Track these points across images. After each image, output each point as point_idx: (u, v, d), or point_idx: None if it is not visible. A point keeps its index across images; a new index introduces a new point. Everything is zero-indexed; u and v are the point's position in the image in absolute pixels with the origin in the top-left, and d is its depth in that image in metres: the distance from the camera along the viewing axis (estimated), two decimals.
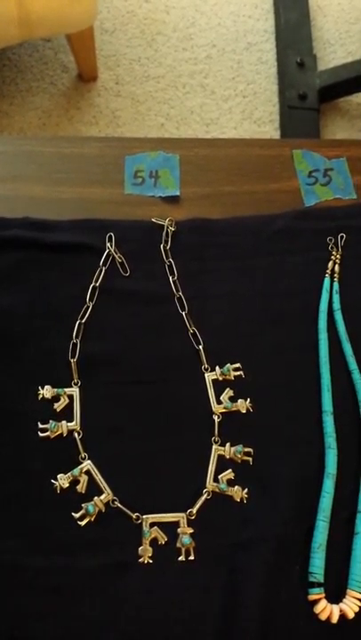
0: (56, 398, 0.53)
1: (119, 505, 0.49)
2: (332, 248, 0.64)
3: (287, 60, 1.61)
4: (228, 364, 0.56)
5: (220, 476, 0.51)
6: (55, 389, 0.54)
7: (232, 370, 0.56)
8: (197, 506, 0.50)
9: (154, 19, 1.68)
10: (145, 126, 1.51)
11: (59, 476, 0.50)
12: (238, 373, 0.56)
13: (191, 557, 0.47)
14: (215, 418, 0.54)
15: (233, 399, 0.55)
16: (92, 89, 1.57)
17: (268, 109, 1.59)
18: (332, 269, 0.63)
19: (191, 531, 0.48)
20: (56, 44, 1.62)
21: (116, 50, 1.64)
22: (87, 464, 0.51)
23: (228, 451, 0.52)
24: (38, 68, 1.59)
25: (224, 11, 1.72)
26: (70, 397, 0.54)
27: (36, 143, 0.67)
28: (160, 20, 1.68)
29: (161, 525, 0.48)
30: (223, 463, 0.51)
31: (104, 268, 0.60)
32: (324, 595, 0.46)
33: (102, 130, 1.50)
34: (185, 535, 0.48)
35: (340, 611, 0.46)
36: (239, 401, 0.54)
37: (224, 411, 0.54)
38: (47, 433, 0.51)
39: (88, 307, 0.58)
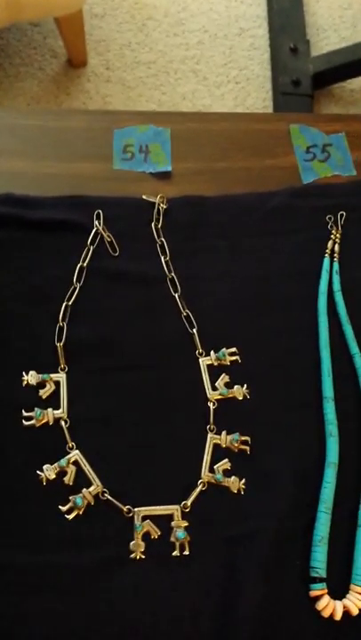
0: (41, 385, 0.52)
1: (109, 497, 0.48)
2: (331, 227, 0.62)
3: (280, 46, 1.60)
4: (224, 349, 0.55)
5: (215, 467, 0.50)
6: (40, 375, 0.52)
7: (228, 354, 0.54)
8: (192, 498, 0.48)
9: (144, 3, 1.66)
10: None
11: (44, 467, 0.48)
12: (234, 358, 0.55)
13: (186, 552, 0.46)
14: (210, 405, 0.52)
15: (229, 385, 0.53)
16: (81, 74, 1.56)
17: (261, 96, 1.58)
18: (332, 249, 0.61)
19: (186, 524, 0.47)
20: (45, 28, 1.60)
21: (106, 35, 1.62)
22: (75, 454, 0.49)
23: (225, 439, 0.51)
24: (27, 52, 1.57)
25: None
26: (57, 384, 0.52)
27: (19, 116, 0.66)
28: (151, 5, 1.66)
29: (154, 519, 0.47)
30: (219, 453, 0.50)
31: (92, 248, 0.58)
32: (326, 590, 0.45)
33: None
34: (179, 529, 0.47)
35: (344, 607, 0.45)
36: (235, 387, 0.53)
37: (220, 397, 0.53)
38: (32, 421, 0.50)
39: (75, 288, 0.56)
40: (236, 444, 0.50)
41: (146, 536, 0.46)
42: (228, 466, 0.50)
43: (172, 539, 0.46)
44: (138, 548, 0.46)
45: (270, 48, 1.64)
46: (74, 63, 1.55)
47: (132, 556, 0.46)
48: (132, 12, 1.65)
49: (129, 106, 1.52)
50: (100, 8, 1.65)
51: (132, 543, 0.46)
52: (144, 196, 0.61)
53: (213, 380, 0.53)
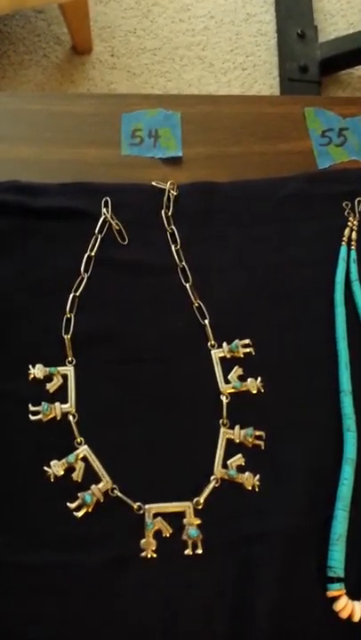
0: (49, 378, 0.51)
1: (119, 494, 0.47)
2: (348, 214, 0.61)
3: (287, 32, 1.59)
4: (237, 341, 0.54)
5: (229, 462, 0.49)
6: (47, 368, 0.51)
7: (241, 346, 0.53)
8: (205, 494, 0.47)
9: None
10: None
11: (52, 463, 0.47)
12: (248, 350, 0.53)
13: (199, 551, 0.45)
14: (223, 398, 0.51)
15: (242, 378, 0.52)
16: (86, 61, 1.55)
17: (267, 82, 1.57)
18: (349, 237, 0.60)
19: (198, 522, 0.46)
20: (49, 15, 1.59)
21: (111, 21, 1.61)
22: (83, 449, 0.48)
23: (238, 434, 0.50)
24: (31, 40, 1.56)
25: None
26: (64, 377, 0.51)
27: (24, 101, 0.65)
28: None
29: (165, 516, 0.46)
30: (232, 448, 0.49)
31: (100, 236, 0.57)
32: (344, 591, 0.45)
33: None
34: (192, 527, 0.46)
35: None
36: (249, 380, 0.52)
37: (233, 391, 0.52)
38: (39, 416, 0.49)
39: (83, 278, 0.55)
40: (250, 439, 0.49)
41: (157, 534, 0.46)
42: (242, 461, 0.49)
43: (185, 537, 0.46)
44: (149, 546, 0.45)
45: (277, 34, 1.62)
46: (78, 50, 1.54)
47: (143, 554, 0.45)
48: None
49: (134, 93, 1.50)
50: None
51: (142, 541, 0.45)
52: (154, 183, 0.60)
53: (226, 372, 0.52)
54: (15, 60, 1.53)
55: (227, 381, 0.52)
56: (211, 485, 0.47)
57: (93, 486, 0.47)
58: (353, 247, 0.59)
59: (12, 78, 1.51)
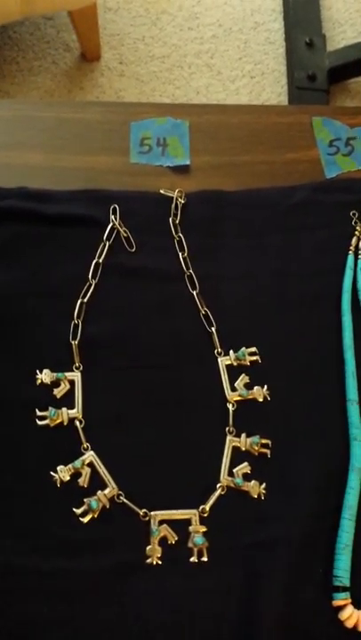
0: (56, 383, 0.51)
1: (125, 500, 0.47)
2: (355, 223, 0.61)
3: (296, 40, 1.59)
4: (244, 348, 0.54)
5: (235, 470, 0.49)
6: (55, 374, 0.51)
7: (248, 354, 0.53)
8: (211, 502, 0.47)
9: None
10: None
11: (59, 469, 0.47)
12: (255, 358, 0.53)
13: (204, 558, 0.45)
14: (229, 406, 0.51)
15: (249, 386, 0.52)
16: (95, 69, 1.55)
17: (276, 90, 1.56)
18: (356, 246, 0.60)
19: (204, 529, 0.46)
20: (58, 22, 1.59)
21: (120, 29, 1.61)
22: (90, 455, 0.48)
23: (244, 442, 0.50)
24: (40, 47, 1.57)
25: None
26: (71, 382, 0.51)
27: (34, 108, 0.65)
28: None
29: (171, 523, 0.46)
30: (238, 456, 0.49)
31: (108, 243, 0.57)
32: (350, 600, 0.44)
33: None
34: (197, 534, 0.46)
35: None
36: (255, 388, 0.52)
37: (239, 399, 0.52)
38: (46, 421, 0.49)
39: (90, 285, 0.55)
40: (256, 447, 0.49)
41: (163, 541, 0.46)
42: (248, 469, 0.49)
43: (190, 544, 0.46)
44: (154, 553, 0.45)
45: (286, 42, 1.62)
46: (87, 57, 1.54)
47: (149, 561, 0.45)
48: (146, 5, 1.64)
49: (142, 100, 1.51)
50: (113, 2, 1.64)
51: (148, 548, 0.45)
52: (162, 191, 0.60)
53: (233, 380, 0.52)
54: (24, 67, 1.54)
55: (233, 389, 0.52)
56: (217, 493, 0.47)
57: (99, 492, 0.47)
58: (360, 256, 0.59)
59: (21, 84, 1.51)
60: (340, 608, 0.44)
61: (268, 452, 0.49)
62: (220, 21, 1.65)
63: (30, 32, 1.59)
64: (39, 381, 0.50)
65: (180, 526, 0.46)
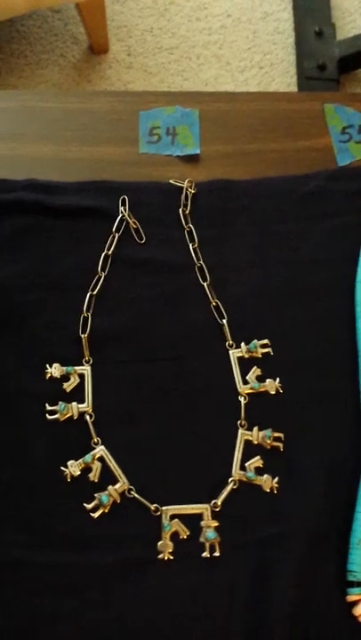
0: (65, 377, 0.51)
1: (136, 495, 0.47)
2: None
3: (305, 30, 1.58)
4: (255, 340, 0.53)
5: (247, 464, 0.48)
6: (64, 368, 0.51)
7: (259, 346, 0.53)
8: (223, 496, 0.47)
9: None
10: None
11: (69, 463, 0.47)
12: (266, 350, 0.53)
13: (216, 553, 0.45)
14: (241, 399, 0.51)
15: (261, 379, 0.52)
16: (103, 61, 1.54)
17: (285, 81, 1.55)
18: None
19: (216, 524, 0.46)
20: (66, 14, 1.59)
21: (128, 20, 1.60)
22: (100, 450, 0.48)
23: (256, 436, 0.49)
24: (48, 39, 1.57)
25: None
26: (81, 376, 0.51)
27: (41, 98, 0.64)
28: None
29: (182, 518, 0.46)
30: (251, 449, 0.49)
31: (117, 235, 0.57)
32: None
33: None
34: (209, 529, 0.46)
35: None
36: (268, 381, 0.51)
37: (251, 391, 0.51)
38: (56, 415, 0.49)
39: (100, 277, 0.55)
40: (268, 441, 0.49)
41: (174, 536, 0.45)
42: (260, 463, 0.48)
43: (202, 539, 0.45)
44: (166, 548, 0.45)
45: (295, 32, 1.61)
46: (95, 50, 1.53)
47: (160, 556, 0.45)
48: None
49: None
50: None
51: (159, 543, 0.45)
52: (171, 181, 0.60)
53: (244, 373, 0.52)
54: (32, 60, 1.54)
55: (245, 382, 0.51)
56: (229, 487, 0.47)
57: (110, 487, 0.46)
58: None
59: (29, 78, 1.51)
60: (355, 603, 0.44)
61: (280, 445, 0.49)
62: (229, 11, 1.64)
63: (38, 25, 1.58)
64: (49, 375, 0.50)
65: (192, 521, 0.46)
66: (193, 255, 0.56)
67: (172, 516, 0.46)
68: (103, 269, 0.55)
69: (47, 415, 0.48)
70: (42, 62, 1.54)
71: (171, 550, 0.45)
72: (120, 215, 0.57)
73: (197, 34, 1.60)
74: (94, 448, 0.48)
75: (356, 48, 1.52)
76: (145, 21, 1.60)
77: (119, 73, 1.53)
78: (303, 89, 1.51)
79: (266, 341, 0.53)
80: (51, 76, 1.52)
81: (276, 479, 0.47)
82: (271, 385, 0.51)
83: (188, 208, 0.59)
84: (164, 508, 0.46)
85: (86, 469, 0.47)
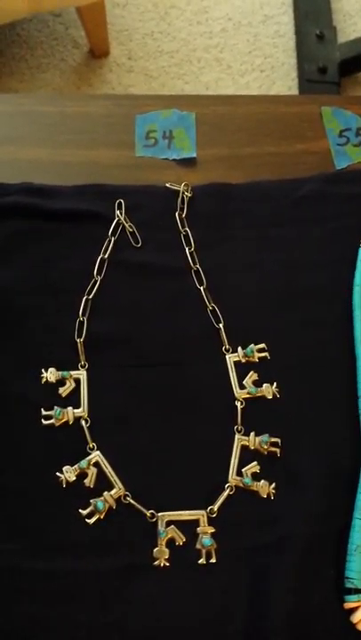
0: (61, 382, 0.50)
1: (132, 501, 0.46)
2: None
3: (306, 33, 1.58)
4: (252, 345, 0.53)
5: (243, 470, 0.48)
6: (60, 372, 0.50)
7: (256, 351, 0.53)
8: (219, 502, 0.47)
9: None
10: None
11: (64, 469, 0.47)
12: (263, 355, 0.53)
13: (212, 560, 0.45)
14: (238, 404, 0.50)
15: (257, 383, 0.52)
16: (103, 65, 1.55)
17: (286, 84, 1.56)
18: None
19: (212, 530, 0.46)
20: (66, 18, 1.60)
21: (129, 24, 1.61)
22: (96, 455, 0.48)
23: (253, 441, 0.49)
24: (48, 43, 1.57)
25: None
26: (77, 381, 0.51)
27: (37, 102, 0.64)
28: None
29: (178, 524, 0.46)
30: (247, 455, 0.49)
31: (113, 239, 0.57)
32: None
33: None
34: (205, 535, 0.45)
35: None
36: (264, 385, 0.51)
37: (248, 396, 0.51)
38: (51, 420, 0.49)
39: (96, 281, 0.55)
40: (265, 446, 0.49)
41: (170, 542, 0.45)
42: (257, 469, 0.48)
43: (198, 546, 0.45)
44: (162, 554, 0.44)
45: (296, 35, 1.62)
46: (96, 53, 1.54)
47: (156, 563, 0.44)
48: (155, 0, 1.64)
49: None
50: None
51: (155, 550, 0.45)
52: (168, 185, 0.60)
53: (241, 377, 0.51)
54: (33, 64, 1.54)
55: (242, 387, 0.51)
56: (225, 493, 0.47)
57: (106, 493, 0.46)
58: None
59: (29, 82, 1.52)
60: (352, 610, 0.43)
61: (277, 450, 0.48)
62: (230, 15, 1.65)
63: (38, 29, 1.59)
64: (44, 380, 0.50)
65: (188, 527, 0.45)
66: (189, 259, 0.56)
67: (169, 523, 0.45)
68: (99, 273, 0.55)
69: (42, 420, 0.48)
70: (42, 66, 1.54)
71: (167, 557, 0.44)
72: (116, 219, 0.57)
73: (198, 37, 1.61)
74: (90, 453, 0.48)
75: (357, 51, 1.53)
76: (145, 25, 1.61)
77: (120, 77, 1.54)
78: (304, 92, 1.51)
79: (263, 346, 0.53)
80: (51, 80, 1.52)
81: (273, 485, 0.47)
82: (268, 389, 0.51)
83: (185, 212, 0.58)
84: (160, 514, 0.46)
85: (82, 475, 0.47)
